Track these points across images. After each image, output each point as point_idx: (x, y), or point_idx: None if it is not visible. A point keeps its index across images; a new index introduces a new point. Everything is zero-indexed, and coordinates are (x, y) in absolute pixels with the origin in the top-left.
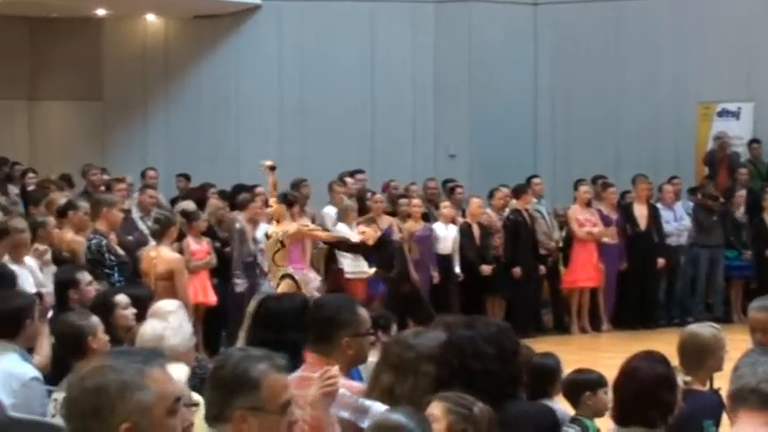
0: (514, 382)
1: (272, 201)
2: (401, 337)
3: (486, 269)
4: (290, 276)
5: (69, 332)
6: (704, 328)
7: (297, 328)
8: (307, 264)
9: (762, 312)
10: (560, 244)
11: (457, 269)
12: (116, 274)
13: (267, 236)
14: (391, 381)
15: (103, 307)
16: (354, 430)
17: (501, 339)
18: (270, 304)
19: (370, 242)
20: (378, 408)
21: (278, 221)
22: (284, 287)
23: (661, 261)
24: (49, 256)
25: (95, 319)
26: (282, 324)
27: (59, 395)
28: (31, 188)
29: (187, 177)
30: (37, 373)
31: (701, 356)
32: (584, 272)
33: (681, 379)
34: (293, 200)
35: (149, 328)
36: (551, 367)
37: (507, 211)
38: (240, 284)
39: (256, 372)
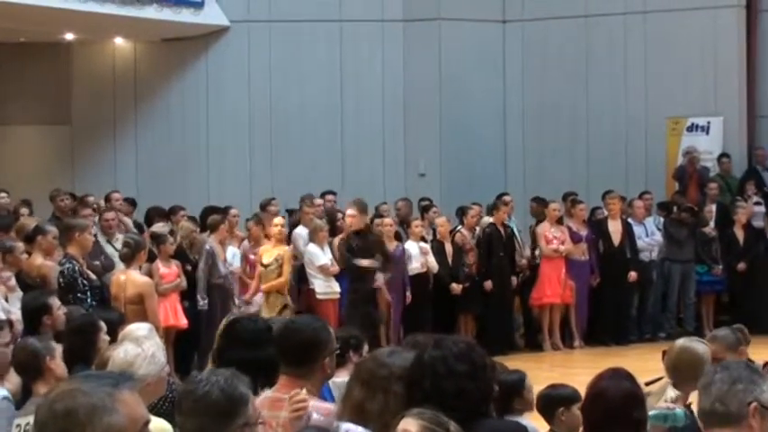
0: (485, 400)
1: (276, 220)
2: (376, 354)
3: (455, 288)
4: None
5: (26, 355)
6: (696, 343)
7: (271, 345)
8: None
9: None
10: (536, 261)
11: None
12: (89, 299)
13: (264, 264)
14: (362, 396)
15: (92, 327)
16: None
17: (471, 356)
18: (243, 323)
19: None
20: (350, 429)
21: (278, 244)
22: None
23: (633, 274)
24: (13, 281)
25: (53, 343)
26: (257, 341)
27: (22, 420)
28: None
29: (132, 202)
30: (7, 394)
31: (693, 371)
32: (551, 288)
33: (671, 394)
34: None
35: (122, 353)
36: (514, 382)
37: (478, 229)
38: (203, 304)
39: (243, 388)
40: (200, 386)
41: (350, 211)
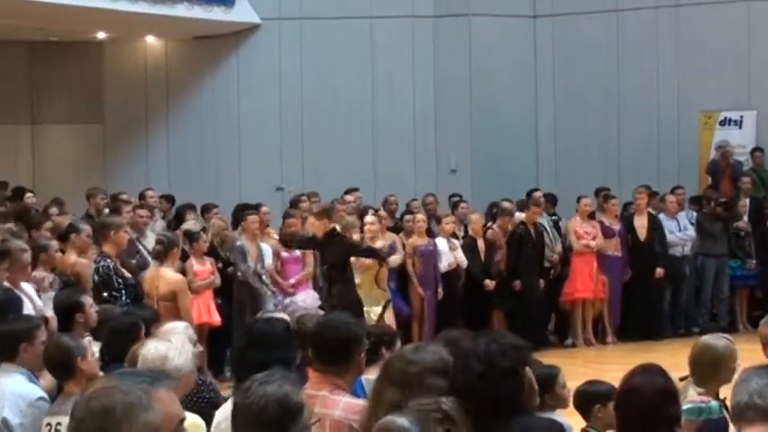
0: (505, 401)
1: (368, 219)
2: (401, 353)
3: (489, 284)
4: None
5: (58, 353)
6: (718, 340)
7: (287, 348)
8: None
9: None
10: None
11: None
12: (124, 297)
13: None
14: (397, 398)
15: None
16: None
17: (495, 358)
18: (260, 325)
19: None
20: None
21: (372, 241)
22: (390, 313)
23: (659, 270)
24: (47, 282)
25: (86, 341)
26: (274, 344)
27: (53, 419)
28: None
29: (170, 199)
30: (44, 394)
31: (714, 369)
32: (583, 284)
33: (694, 391)
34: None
35: (153, 349)
36: (545, 377)
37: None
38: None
39: (297, 396)
40: (256, 401)
41: (310, 219)
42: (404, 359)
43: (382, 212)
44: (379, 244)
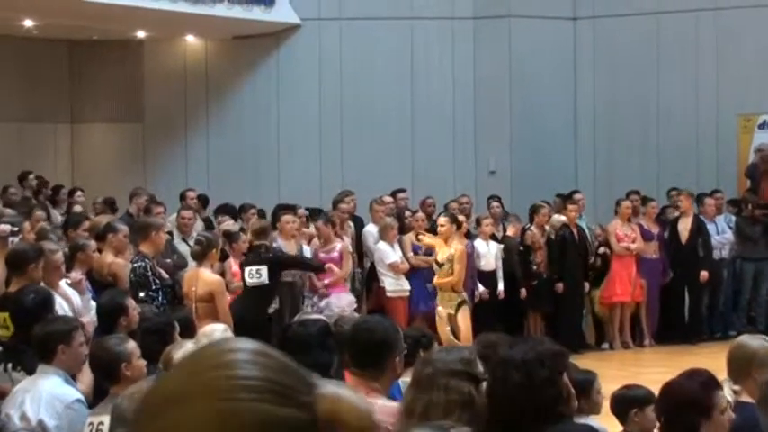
0: (540, 411)
1: (442, 220)
2: (427, 354)
3: (523, 292)
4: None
5: (105, 358)
6: (753, 339)
7: (323, 350)
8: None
9: None
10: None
11: (500, 286)
12: (160, 297)
13: (438, 262)
14: (410, 397)
15: (169, 327)
16: None
17: (533, 368)
18: (295, 329)
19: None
20: None
21: (446, 243)
22: (465, 314)
23: (704, 274)
24: (84, 283)
25: (132, 345)
26: (308, 347)
27: (95, 419)
28: (77, 207)
29: (204, 200)
30: (80, 396)
31: (747, 366)
32: (622, 287)
33: (729, 389)
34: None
35: (182, 352)
36: (581, 382)
37: (548, 227)
38: (273, 307)
39: None
40: None
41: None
42: (424, 361)
43: (420, 214)
44: (337, 246)
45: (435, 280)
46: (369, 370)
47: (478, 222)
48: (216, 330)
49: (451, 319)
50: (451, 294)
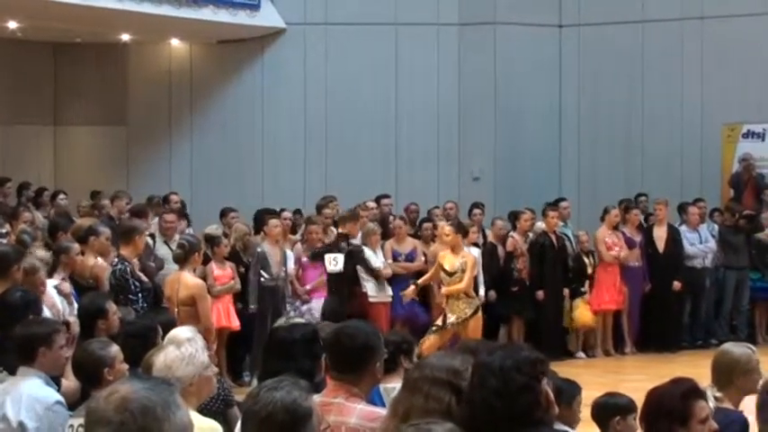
0: (521, 416)
1: (447, 229)
2: (421, 360)
3: (492, 295)
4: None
5: (87, 362)
6: (737, 347)
7: (306, 357)
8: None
9: None
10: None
11: (481, 291)
12: (140, 301)
13: (446, 271)
14: (396, 398)
15: (152, 332)
16: None
17: (510, 374)
18: (280, 333)
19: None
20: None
21: (453, 251)
22: (479, 320)
23: (676, 284)
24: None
25: (115, 350)
26: (291, 353)
27: (75, 421)
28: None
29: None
30: (60, 398)
31: (729, 374)
32: (609, 294)
33: (711, 395)
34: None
35: (162, 357)
36: (565, 391)
37: (531, 234)
38: (252, 308)
39: (306, 402)
40: (264, 406)
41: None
42: (417, 364)
43: (398, 221)
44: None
45: (445, 290)
46: (349, 375)
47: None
48: (181, 334)
49: (461, 327)
50: (466, 300)
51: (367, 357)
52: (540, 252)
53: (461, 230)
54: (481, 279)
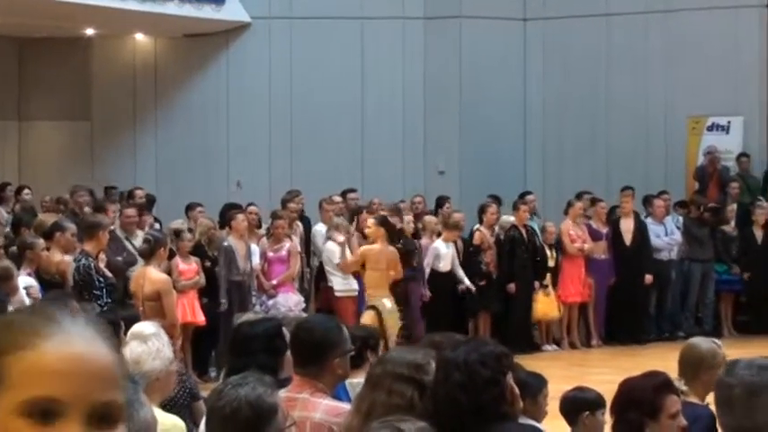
0: (486, 410)
1: (369, 221)
2: (383, 355)
3: (462, 288)
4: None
5: None
6: (704, 342)
7: (268, 353)
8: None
9: None
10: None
11: (467, 281)
12: (104, 296)
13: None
14: (360, 395)
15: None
16: None
17: (475, 368)
18: (242, 329)
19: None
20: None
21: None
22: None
23: (648, 277)
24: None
25: None
26: (253, 349)
27: None
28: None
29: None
30: None
31: (695, 368)
32: (574, 287)
33: (678, 387)
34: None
35: (128, 352)
36: (531, 385)
37: (497, 228)
38: (223, 304)
39: (270, 398)
40: (229, 403)
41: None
42: (379, 359)
43: (364, 215)
44: (285, 245)
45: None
46: (311, 369)
47: (446, 224)
48: (145, 330)
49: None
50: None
51: (326, 352)
52: (511, 246)
53: (385, 225)
54: (461, 272)
